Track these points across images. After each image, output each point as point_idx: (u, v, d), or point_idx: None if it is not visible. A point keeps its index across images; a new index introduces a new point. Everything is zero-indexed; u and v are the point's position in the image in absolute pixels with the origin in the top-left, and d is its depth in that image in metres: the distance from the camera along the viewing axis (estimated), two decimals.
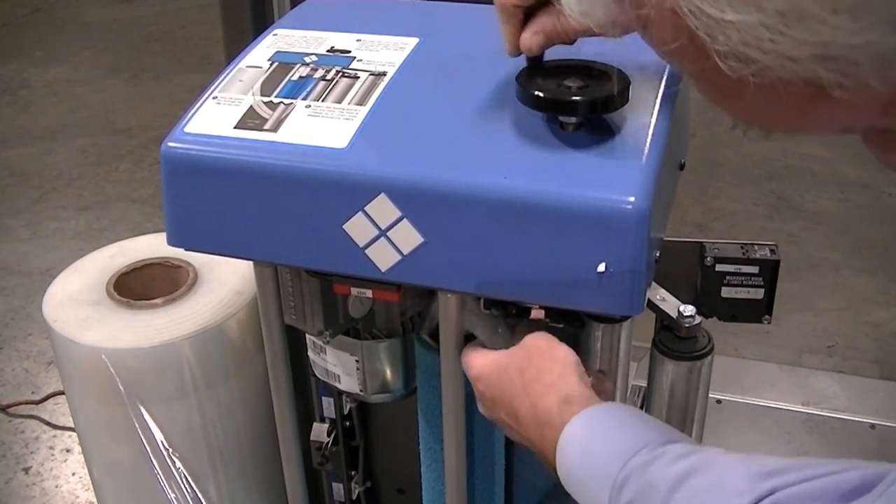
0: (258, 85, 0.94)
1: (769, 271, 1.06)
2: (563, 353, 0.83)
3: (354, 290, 0.94)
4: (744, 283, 1.07)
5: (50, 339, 1.37)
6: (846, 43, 0.40)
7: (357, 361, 1.05)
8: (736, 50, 0.42)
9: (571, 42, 0.83)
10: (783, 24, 0.41)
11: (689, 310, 0.95)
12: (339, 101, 0.91)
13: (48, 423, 2.10)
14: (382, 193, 0.84)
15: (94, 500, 1.56)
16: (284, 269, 0.99)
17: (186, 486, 1.34)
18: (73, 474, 1.97)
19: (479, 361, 0.87)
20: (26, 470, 1.99)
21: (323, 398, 1.25)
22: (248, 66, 0.98)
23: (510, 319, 0.92)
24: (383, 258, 0.86)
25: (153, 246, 1.45)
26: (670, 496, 0.66)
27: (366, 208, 0.85)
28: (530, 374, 0.82)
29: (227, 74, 0.97)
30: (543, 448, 0.79)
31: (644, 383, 1.01)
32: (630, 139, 0.84)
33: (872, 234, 2.69)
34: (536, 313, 0.93)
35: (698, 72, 0.46)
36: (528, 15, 0.82)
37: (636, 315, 0.86)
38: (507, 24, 0.83)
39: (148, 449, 1.32)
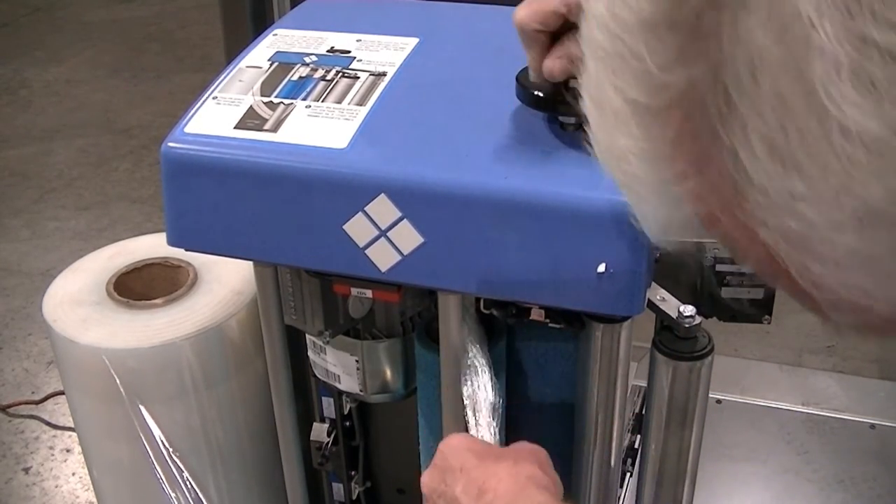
0: (258, 85, 0.94)
1: None
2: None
3: (354, 291, 0.94)
4: (744, 283, 1.07)
5: (50, 339, 1.37)
6: None
7: (357, 361, 1.05)
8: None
9: None
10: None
11: (689, 310, 0.95)
12: (339, 101, 0.91)
13: (48, 423, 2.10)
14: (382, 193, 0.84)
15: (94, 500, 1.56)
16: (284, 269, 0.99)
17: (186, 486, 1.34)
18: (73, 474, 1.97)
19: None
20: (26, 470, 1.98)
21: (323, 398, 1.25)
22: (248, 67, 0.98)
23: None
24: (383, 258, 0.86)
25: (153, 246, 1.45)
26: None
27: (366, 208, 0.85)
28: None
29: (227, 74, 0.97)
30: None
31: (644, 383, 1.01)
32: None
33: None
34: (536, 313, 0.93)
35: (781, 286, 0.40)
36: (554, 39, 0.78)
37: (636, 315, 0.86)
38: (530, 49, 0.80)
39: (148, 449, 1.32)
